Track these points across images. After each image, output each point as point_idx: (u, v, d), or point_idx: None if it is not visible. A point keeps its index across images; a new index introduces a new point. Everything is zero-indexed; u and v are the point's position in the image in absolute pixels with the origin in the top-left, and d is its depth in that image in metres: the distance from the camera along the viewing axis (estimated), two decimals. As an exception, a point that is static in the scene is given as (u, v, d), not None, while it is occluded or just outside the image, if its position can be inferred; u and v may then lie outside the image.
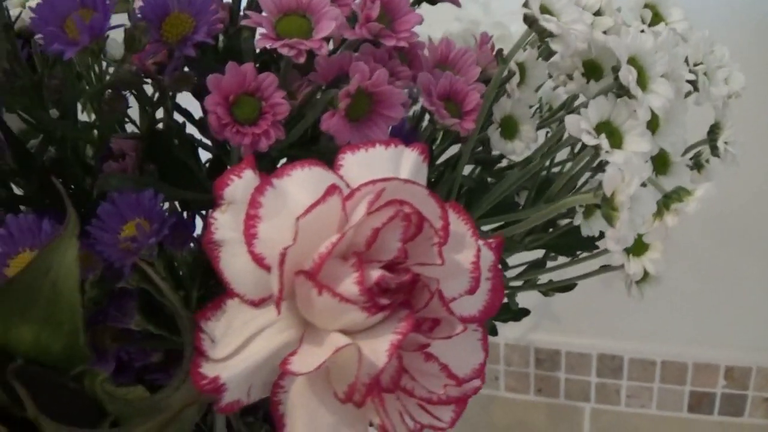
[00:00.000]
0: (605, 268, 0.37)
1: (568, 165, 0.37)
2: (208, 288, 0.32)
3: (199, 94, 0.33)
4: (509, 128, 0.36)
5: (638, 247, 0.33)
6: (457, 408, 0.26)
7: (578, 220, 0.37)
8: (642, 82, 0.33)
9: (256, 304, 0.24)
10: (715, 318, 0.74)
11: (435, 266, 0.25)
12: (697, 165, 0.40)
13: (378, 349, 0.23)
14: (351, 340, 0.22)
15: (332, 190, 0.24)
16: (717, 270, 0.73)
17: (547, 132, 0.38)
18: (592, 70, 0.37)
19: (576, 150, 0.39)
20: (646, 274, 0.34)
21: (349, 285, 0.23)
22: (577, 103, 0.39)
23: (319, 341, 0.24)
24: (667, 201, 0.31)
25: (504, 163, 0.40)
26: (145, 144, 0.36)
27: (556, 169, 0.40)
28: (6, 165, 0.34)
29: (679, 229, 0.32)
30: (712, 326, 0.74)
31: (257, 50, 0.30)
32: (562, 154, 0.39)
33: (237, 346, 0.24)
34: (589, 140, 0.31)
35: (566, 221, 0.40)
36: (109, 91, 0.31)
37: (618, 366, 0.78)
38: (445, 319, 0.25)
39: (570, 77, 0.38)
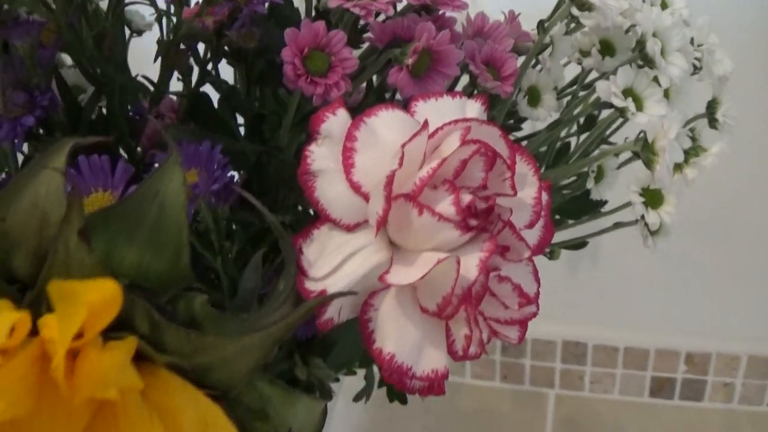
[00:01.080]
0: (618, 225, 0.41)
1: (583, 136, 0.42)
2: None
3: (258, 53, 0.36)
4: (533, 97, 0.41)
5: (655, 201, 0.38)
6: (521, 328, 0.30)
7: (590, 183, 0.42)
8: (662, 54, 0.37)
9: (351, 228, 0.28)
10: (676, 305, 0.80)
11: (507, 198, 0.29)
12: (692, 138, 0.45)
13: (469, 264, 0.27)
14: (449, 254, 0.26)
15: (425, 125, 0.27)
16: (677, 260, 0.79)
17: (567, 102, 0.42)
18: (606, 48, 0.42)
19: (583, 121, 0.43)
20: (658, 228, 0.39)
21: (446, 206, 0.26)
22: (588, 79, 0.44)
23: (412, 260, 0.27)
24: (687, 156, 0.36)
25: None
26: (189, 103, 0.39)
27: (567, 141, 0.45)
28: (58, 117, 0.37)
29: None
30: (674, 313, 0.80)
31: (330, 8, 0.33)
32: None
33: (333, 268, 0.27)
34: (618, 102, 0.36)
35: (567, 192, 0.45)
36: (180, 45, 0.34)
37: (582, 352, 0.83)
38: (514, 246, 0.29)
39: (584, 54, 0.43)
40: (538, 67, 0.41)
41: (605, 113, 0.40)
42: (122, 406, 0.19)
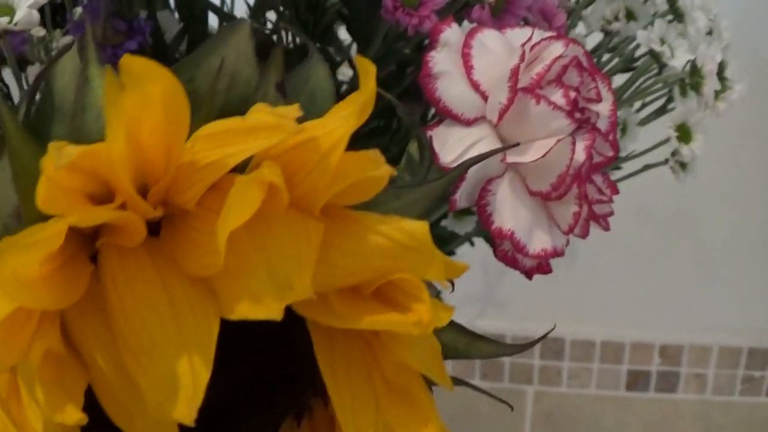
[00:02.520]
0: (647, 167, 0.48)
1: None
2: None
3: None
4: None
5: (686, 136, 0.45)
6: (604, 222, 0.36)
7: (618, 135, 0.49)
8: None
9: (470, 122, 0.33)
10: (649, 300, 0.88)
11: (593, 103, 0.35)
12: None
13: (577, 148, 0.33)
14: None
15: (531, 37, 0.33)
16: (650, 256, 0.87)
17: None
18: (628, 15, 0.49)
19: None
20: (688, 162, 0.46)
21: (558, 98, 0.32)
22: (611, 44, 0.51)
23: (525, 149, 0.33)
24: (717, 91, 0.43)
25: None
26: None
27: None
28: (148, 50, 0.41)
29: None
30: (647, 307, 0.88)
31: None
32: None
33: (458, 155, 0.33)
34: (657, 47, 0.43)
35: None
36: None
37: (560, 348, 0.89)
38: (600, 146, 0.35)
39: (608, 22, 0.50)
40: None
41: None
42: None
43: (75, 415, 0.20)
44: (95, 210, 0.20)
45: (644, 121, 0.51)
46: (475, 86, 0.33)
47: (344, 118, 0.21)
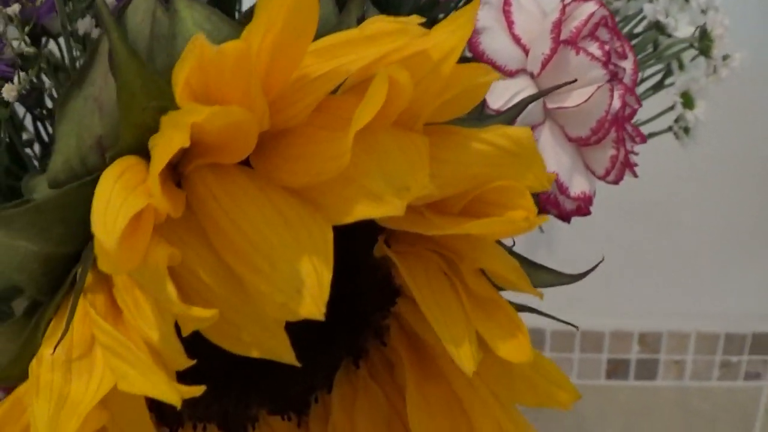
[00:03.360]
0: (651, 135, 0.52)
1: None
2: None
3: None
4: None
5: (689, 103, 0.49)
6: (630, 168, 0.39)
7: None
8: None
9: (512, 74, 0.37)
10: (627, 288, 0.92)
11: (620, 59, 0.38)
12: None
13: (614, 95, 0.36)
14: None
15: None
16: (627, 246, 0.91)
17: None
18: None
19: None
20: (692, 126, 0.50)
21: (594, 49, 0.36)
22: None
23: (565, 97, 0.36)
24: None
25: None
26: None
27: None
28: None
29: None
30: (625, 296, 0.92)
31: None
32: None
33: (503, 102, 0.36)
34: (663, 18, 0.47)
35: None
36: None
37: (540, 339, 0.93)
38: (628, 98, 0.39)
39: (610, 2, 0.54)
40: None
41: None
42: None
43: (206, 312, 0.21)
44: (229, 109, 0.21)
45: (642, 97, 0.55)
46: (517, 40, 0.36)
47: (452, 32, 0.23)
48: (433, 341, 0.31)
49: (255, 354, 0.23)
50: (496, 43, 0.36)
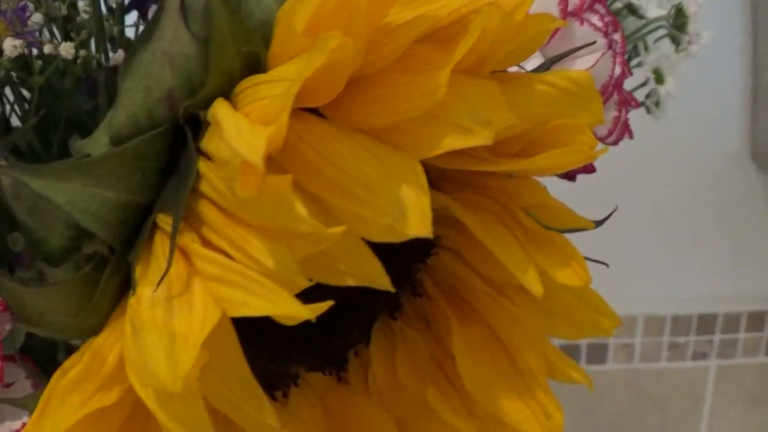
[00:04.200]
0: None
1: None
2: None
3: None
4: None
5: (660, 79, 0.53)
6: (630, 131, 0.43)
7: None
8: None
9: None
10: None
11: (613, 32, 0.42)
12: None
13: (615, 61, 0.40)
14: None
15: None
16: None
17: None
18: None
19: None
20: (662, 100, 0.54)
21: (596, 20, 0.40)
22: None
23: (570, 65, 0.40)
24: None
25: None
26: None
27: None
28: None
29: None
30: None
31: None
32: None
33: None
34: (635, 0, 0.52)
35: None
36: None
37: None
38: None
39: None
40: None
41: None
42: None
43: (337, 229, 0.23)
44: (349, 40, 0.23)
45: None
46: (524, 13, 0.40)
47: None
48: (475, 285, 0.34)
49: (350, 282, 0.26)
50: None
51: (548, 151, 0.28)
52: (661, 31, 0.57)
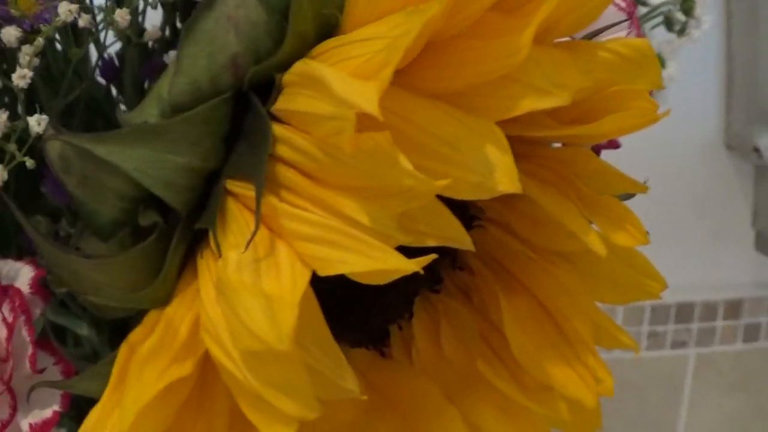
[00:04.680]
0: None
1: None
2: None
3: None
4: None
5: (662, 63, 0.55)
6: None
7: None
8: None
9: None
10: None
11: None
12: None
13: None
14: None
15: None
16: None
17: None
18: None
19: None
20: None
21: (620, 2, 0.41)
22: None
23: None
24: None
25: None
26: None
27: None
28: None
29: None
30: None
31: None
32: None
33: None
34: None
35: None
36: None
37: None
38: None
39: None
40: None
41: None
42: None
43: (442, 182, 0.24)
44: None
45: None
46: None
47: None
48: (520, 255, 0.35)
49: (431, 242, 0.26)
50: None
51: (611, 115, 0.29)
52: (657, 19, 0.59)
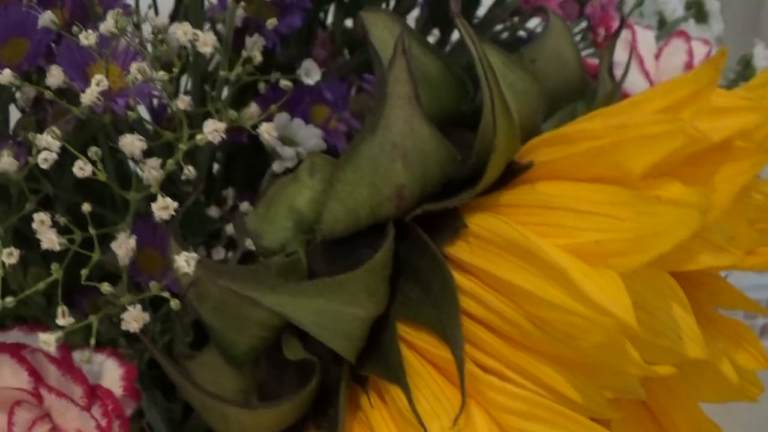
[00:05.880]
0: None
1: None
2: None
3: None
4: None
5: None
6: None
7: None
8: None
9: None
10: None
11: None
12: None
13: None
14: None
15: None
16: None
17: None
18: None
19: None
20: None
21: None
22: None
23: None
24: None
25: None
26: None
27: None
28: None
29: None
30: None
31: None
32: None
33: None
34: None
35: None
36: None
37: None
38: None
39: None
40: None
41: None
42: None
43: (668, 369, 0.25)
44: None
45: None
46: (646, 74, 0.42)
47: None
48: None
49: (608, 395, 0.26)
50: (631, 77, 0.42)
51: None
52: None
